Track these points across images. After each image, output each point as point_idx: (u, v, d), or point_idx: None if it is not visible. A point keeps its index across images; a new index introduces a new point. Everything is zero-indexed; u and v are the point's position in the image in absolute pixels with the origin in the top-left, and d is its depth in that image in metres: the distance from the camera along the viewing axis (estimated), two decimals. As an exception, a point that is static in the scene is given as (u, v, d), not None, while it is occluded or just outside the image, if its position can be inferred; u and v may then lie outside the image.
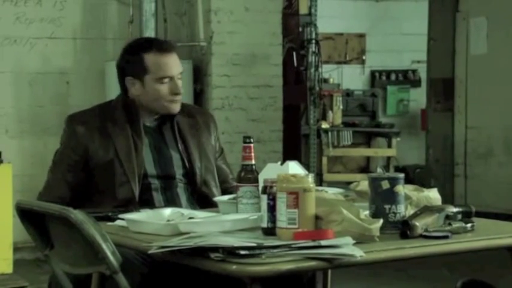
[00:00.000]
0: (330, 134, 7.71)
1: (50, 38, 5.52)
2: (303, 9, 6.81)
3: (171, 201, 2.47)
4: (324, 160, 7.69)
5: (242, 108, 5.71)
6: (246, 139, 2.22)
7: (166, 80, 2.53)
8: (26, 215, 2.01)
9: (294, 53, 6.57)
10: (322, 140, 7.61)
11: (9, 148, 4.84)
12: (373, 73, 9.04)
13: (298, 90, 6.74)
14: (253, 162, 2.19)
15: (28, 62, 5.46)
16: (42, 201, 2.40)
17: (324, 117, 7.69)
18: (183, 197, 2.52)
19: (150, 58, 2.54)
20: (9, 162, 4.06)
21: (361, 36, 8.98)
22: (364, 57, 9.03)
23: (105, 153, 2.49)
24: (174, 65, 2.56)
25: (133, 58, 2.56)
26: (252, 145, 2.22)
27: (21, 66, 5.45)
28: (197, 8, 5.64)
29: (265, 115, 5.81)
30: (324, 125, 7.65)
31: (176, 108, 2.57)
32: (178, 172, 2.55)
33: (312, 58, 6.91)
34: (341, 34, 8.91)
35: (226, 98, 5.65)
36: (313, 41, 6.93)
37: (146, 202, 2.44)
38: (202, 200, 2.53)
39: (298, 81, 6.76)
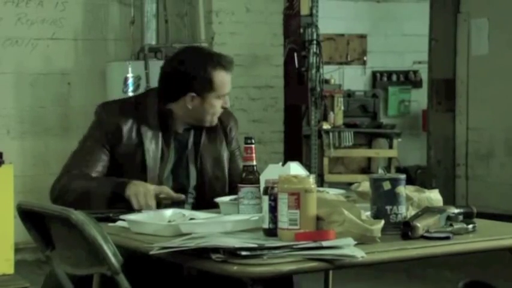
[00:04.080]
0: (331, 134, 7.70)
1: (52, 39, 5.52)
2: (304, 10, 6.81)
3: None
4: (325, 161, 7.69)
5: (243, 109, 5.71)
6: (247, 140, 2.23)
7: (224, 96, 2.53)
8: (27, 215, 2.01)
9: (295, 54, 6.57)
10: (323, 140, 7.60)
11: (10, 149, 4.84)
12: (374, 74, 9.04)
13: (300, 91, 6.74)
14: (254, 163, 2.19)
15: (29, 63, 5.47)
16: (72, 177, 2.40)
17: (325, 118, 7.68)
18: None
19: (218, 76, 2.48)
20: (10, 163, 4.06)
21: (363, 37, 8.98)
22: (365, 58, 9.03)
23: (132, 151, 2.45)
24: (230, 81, 2.55)
25: (201, 75, 2.47)
26: (253, 146, 2.22)
27: (22, 67, 5.46)
28: (198, 9, 5.65)
29: (266, 116, 5.82)
30: (325, 126, 7.65)
31: (216, 120, 2.56)
32: (192, 185, 2.54)
33: (313, 59, 6.91)
34: (342, 35, 8.91)
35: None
36: (315, 42, 6.93)
37: None
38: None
39: (300, 82, 6.76)
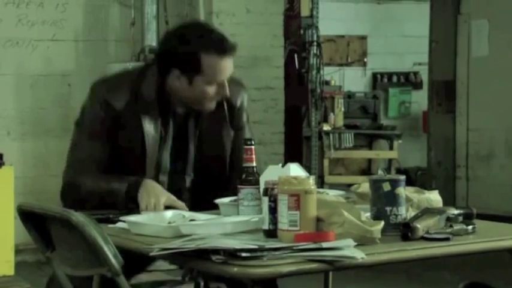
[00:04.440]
0: (331, 136, 7.71)
1: (52, 40, 5.53)
2: (305, 12, 6.82)
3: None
4: (326, 162, 7.70)
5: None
6: (247, 141, 2.22)
7: (216, 83, 2.33)
8: (27, 217, 2.01)
9: (296, 55, 6.57)
10: (323, 142, 7.61)
11: (11, 150, 4.84)
12: (374, 75, 9.04)
13: (300, 92, 6.75)
14: (254, 164, 2.18)
15: (30, 64, 5.47)
16: (76, 170, 2.35)
17: (325, 119, 7.69)
18: (186, 194, 2.45)
19: (207, 60, 2.29)
20: (11, 164, 4.06)
21: (363, 38, 8.99)
22: (365, 60, 9.03)
23: (129, 132, 2.34)
24: (229, 69, 2.33)
25: (189, 55, 2.29)
26: (253, 147, 2.22)
27: (23, 68, 5.46)
28: (199, 10, 5.65)
29: (266, 117, 5.82)
30: (326, 127, 7.65)
31: (213, 106, 2.38)
32: (190, 166, 2.45)
33: (313, 60, 6.91)
34: (342, 36, 8.91)
35: (227, 100, 5.65)
36: (315, 43, 6.93)
37: None
38: (208, 193, 2.42)
39: (300, 83, 6.76)
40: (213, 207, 2.29)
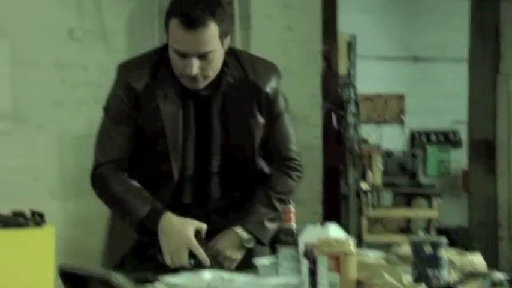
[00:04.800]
0: (369, 194, 7.65)
1: (95, 102, 5.62)
2: (342, 70, 6.87)
3: (201, 196, 2.36)
4: (364, 220, 7.62)
5: (281, 169, 5.70)
6: (286, 202, 2.23)
7: (180, 54, 2.19)
8: (68, 277, 2.02)
9: (333, 114, 6.60)
10: (361, 200, 7.55)
11: (53, 210, 4.89)
12: (413, 134, 9.01)
13: (338, 151, 6.74)
14: (293, 225, 2.18)
15: (73, 125, 5.56)
16: (102, 166, 2.35)
17: (363, 177, 7.65)
18: (216, 192, 2.37)
19: (171, 25, 2.17)
20: (52, 224, 4.10)
21: (401, 97, 9.00)
22: (403, 118, 9.02)
23: (149, 117, 2.27)
24: (195, 44, 2.15)
25: (166, 18, 2.20)
26: (292, 207, 2.22)
27: (66, 128, 5.55)
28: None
29: (304, 176, 5.80)
30: (364, 186, 7.61)
31: (194, 86, 2.23)
32: (216, 151, 2.32)
33: (351, 119, 6.92)
34: (380, 95, 8.93)
35: (265, 159, 5.66)
36: (352, 102, 6.95)
37: (176, 197, 2.33)
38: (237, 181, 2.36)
39: (338, 142, 6.76)
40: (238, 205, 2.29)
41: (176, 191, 2.35)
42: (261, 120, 2.35)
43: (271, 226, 2.38)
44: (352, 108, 6.95)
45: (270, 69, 2.39)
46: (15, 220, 4.18)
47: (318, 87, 5.93)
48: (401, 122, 9.02)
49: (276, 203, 2.42)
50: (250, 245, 2.34)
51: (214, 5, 2.17)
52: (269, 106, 2.36)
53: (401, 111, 9.01)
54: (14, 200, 4.80)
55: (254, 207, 2.38)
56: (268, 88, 2.34)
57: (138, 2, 5.61)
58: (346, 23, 6.87)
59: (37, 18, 5.28)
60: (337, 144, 6.72)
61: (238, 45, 5.67)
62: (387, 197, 7.76)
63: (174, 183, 2.33)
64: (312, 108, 5.89)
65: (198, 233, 2.26)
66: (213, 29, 2.17)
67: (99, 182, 2.42)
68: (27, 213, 4.30)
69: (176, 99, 2.28)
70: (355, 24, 7.55)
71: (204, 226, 2.27)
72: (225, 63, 2.28)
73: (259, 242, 2.37)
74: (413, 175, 8.46)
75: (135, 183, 2.35)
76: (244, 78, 2.31)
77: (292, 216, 2.19)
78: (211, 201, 2.40)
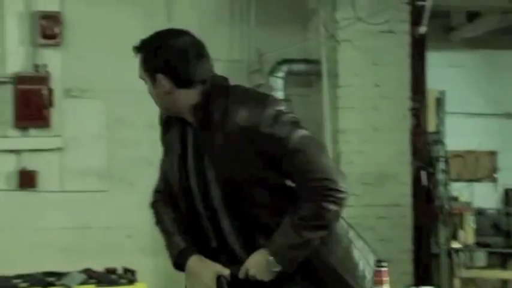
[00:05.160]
0: (461, 254, 7.43)
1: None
2: (431, 127, 6.78)
3: (217, 230, 2.35)
4: (456, 282, 7.38)
5: (370, 227, 5.63)
6: (378, 263, 2.18)
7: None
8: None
9: (423, 171, 6.49)
10: (453, 260, 7.34)
11: (144, 267, 4.95)
12: (507, 191, 8.73)
13: (428, 209, 6.60)
14: (387, 287, 2.13)
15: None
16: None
17: (454, 236, 7.45)
18: (225, 222, 2.32)
19: None
20: (143, 281, 4.15)
21: (493, 153, 8.77)
22: (496, 175, 8.77)
23: (164, 147, 2.45)
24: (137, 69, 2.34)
25: None
26: (384, 270, 2.17)
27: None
28: (325, 128, 5.73)
29: (394, 235, 5.70)
30: (455, 245, 7.39)
31: (163, 111, 2.40)
32: (212, 179, 2.29)
33: (440, 176, 6.80)
34: (471, 152, 8.74)
35: (354, 218, 5.61)
36: (442, 159, 6.83)
37: (199, 230, 2.37)
38: (248, 221, 2.30)
39: (428, 200, 6.63)
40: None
41: (202, 232, 2.37)
42: (251, 154, 2.21)
43: (294, 254, 2.27)
44: (442, 165, 6.83)
45: (254, 102, 2.24)
46: (108, 277, 4.26)
47: (407, 144, 5.86)
48: (493, 179, 8.78)
49: (301, 230, 2.25)
50: (277, 268, 2.29)
51: (151, 43, 2.30)
52: (261, 142, 2.21)
53: (494, 168, 8.78)
54: (108, 257, 4.90)
55: (273, 236, 2.29)
56: (244, 123, 2.20)
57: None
58: (435, 79, 6.80)
59: (128, 79, 5.48)
60: (427, 202, 6.59)
61: (326, 102, 5.71)
62: (481, 257, 7.50)
63: (189, 220, 2.38)
64: (401, 166, 5.82)
65: (220, 277, 2.30)
66: (140, 60, 2.32)
67: (154, 212, 2.64)
68: (120, 270, 4.38)
69: (177, 130, 2.37)
70: (444, 80, 7.46)
71: (226, 271, 2.30)
72: (211, 100, 2.26)
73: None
74: (507, 234, 8.17)
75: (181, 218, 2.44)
76: (221, 117, 2.24)
77: (384, 279, 2.14)
78: (229, 241, 2.34)
